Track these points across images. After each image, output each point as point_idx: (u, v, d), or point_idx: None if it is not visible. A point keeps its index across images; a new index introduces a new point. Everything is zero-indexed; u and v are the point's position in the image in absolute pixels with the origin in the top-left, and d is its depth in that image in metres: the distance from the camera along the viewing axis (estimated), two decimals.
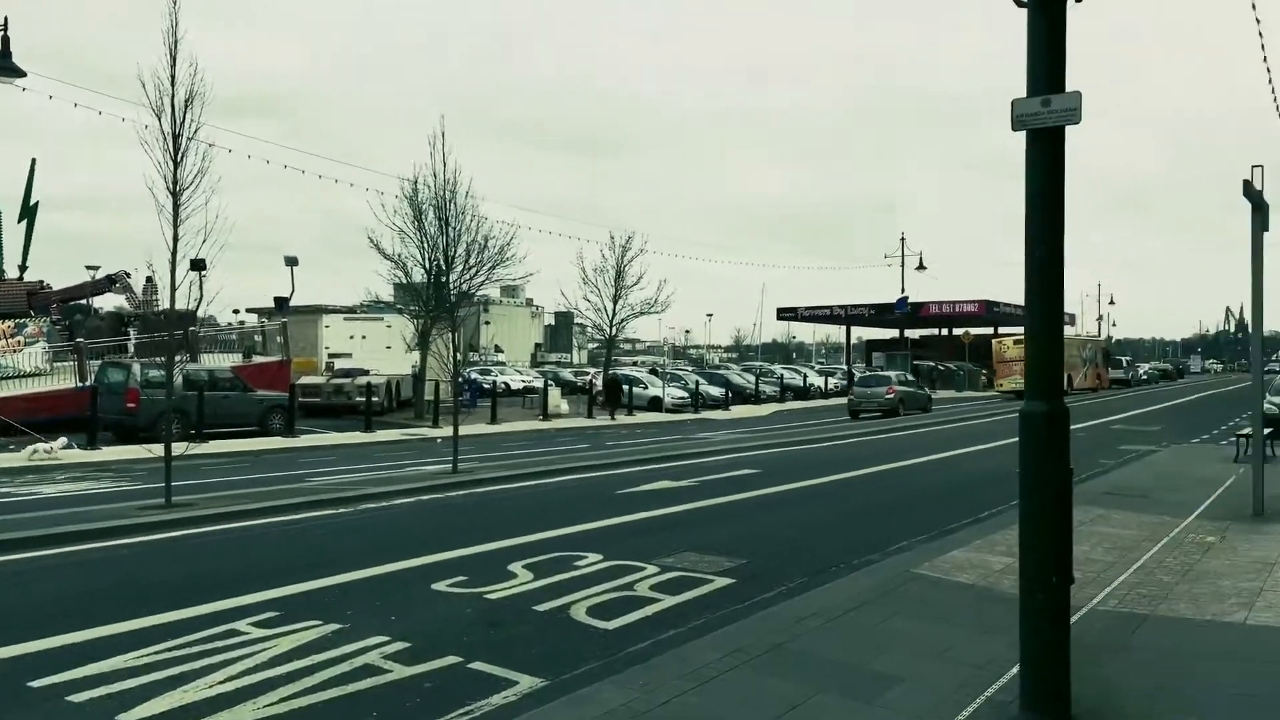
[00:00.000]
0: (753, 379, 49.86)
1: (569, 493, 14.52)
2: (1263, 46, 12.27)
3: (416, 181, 27.96)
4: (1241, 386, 60.76)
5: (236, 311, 42.14)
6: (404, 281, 30.38)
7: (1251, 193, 11.40)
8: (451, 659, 6.21)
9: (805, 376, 54.85)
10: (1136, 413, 36.48)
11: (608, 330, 36.73)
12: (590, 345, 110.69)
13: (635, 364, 73.26)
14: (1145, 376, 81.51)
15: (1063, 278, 5.10)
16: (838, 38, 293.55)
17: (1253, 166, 11.66)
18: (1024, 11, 5.09)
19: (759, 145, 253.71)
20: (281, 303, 33.89)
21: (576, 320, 68.50)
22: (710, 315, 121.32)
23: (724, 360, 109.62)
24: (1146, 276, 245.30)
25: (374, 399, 29.08)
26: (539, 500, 13.67)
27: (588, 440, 25.22)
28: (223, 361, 30.05)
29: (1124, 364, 76.53)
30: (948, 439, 24.70)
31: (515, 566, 8.97)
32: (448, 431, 20.39)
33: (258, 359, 31.42)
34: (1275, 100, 12.99)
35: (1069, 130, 5.07)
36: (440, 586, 8.19)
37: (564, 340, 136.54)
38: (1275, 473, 14.73)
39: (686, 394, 40.72)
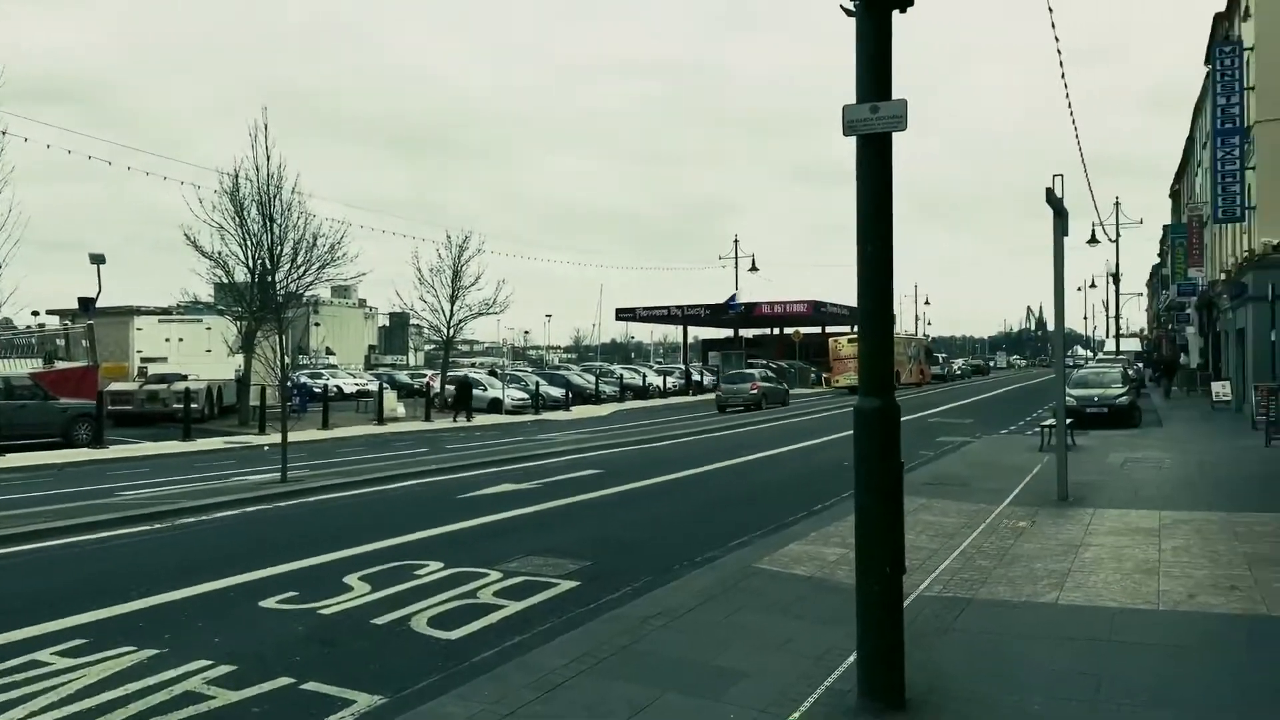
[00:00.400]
0: (593, 379, 50.05)
1: (408, 499, 14.09)
2: (1060, 63, 13.22)
3: (238, 175, 26.63)
4: (1043, 380, 65.55)
5: (36, 313, 38.98)
6: (225, 281, 28.85)
7: (1052, 199, 12.27)
8: (283, 680, 5.87)
9: (644, 376, 55.55)
10: (952, 406, 38.74)
11: (445, 331, 35.98)
12: (427, 347, 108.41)
13: (474, 365, 72.22)
14: (960, 372, 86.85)
15: (892, 275, 5.29)
16: (669, 45, 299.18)
17: (1053, 175, 12.63)
18: (853, 21, 5.24)
19: (591, 146, 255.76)
20: (86, 303, 31.46)
21: (412, 321, 66.86)
22: (549, 316, 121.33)
23: (564, 361, 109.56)
24: (956, 278, 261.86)
25: (193, 406, 27.59)
26: (376, 508, 13.20)
27: (427, 444, 24.62)
28: (19, 368, 27.79)
29: (940, 360, 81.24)
30: (787, 433, 25.53)
31: (351, 579, 8.60)
32: (276, 438, 19.45)
33: (60, 364, 29.19)
34: (1071, 115, 14.04)
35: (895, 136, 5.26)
36: (269, 604, 7.75)
37: (399, 342, 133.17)
38: (1076, 460, 15.93)
39: (527, 395, 40.41)
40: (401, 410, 35.38)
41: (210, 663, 6.19)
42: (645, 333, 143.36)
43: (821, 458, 19.58)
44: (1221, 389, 30.90)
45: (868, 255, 5.22)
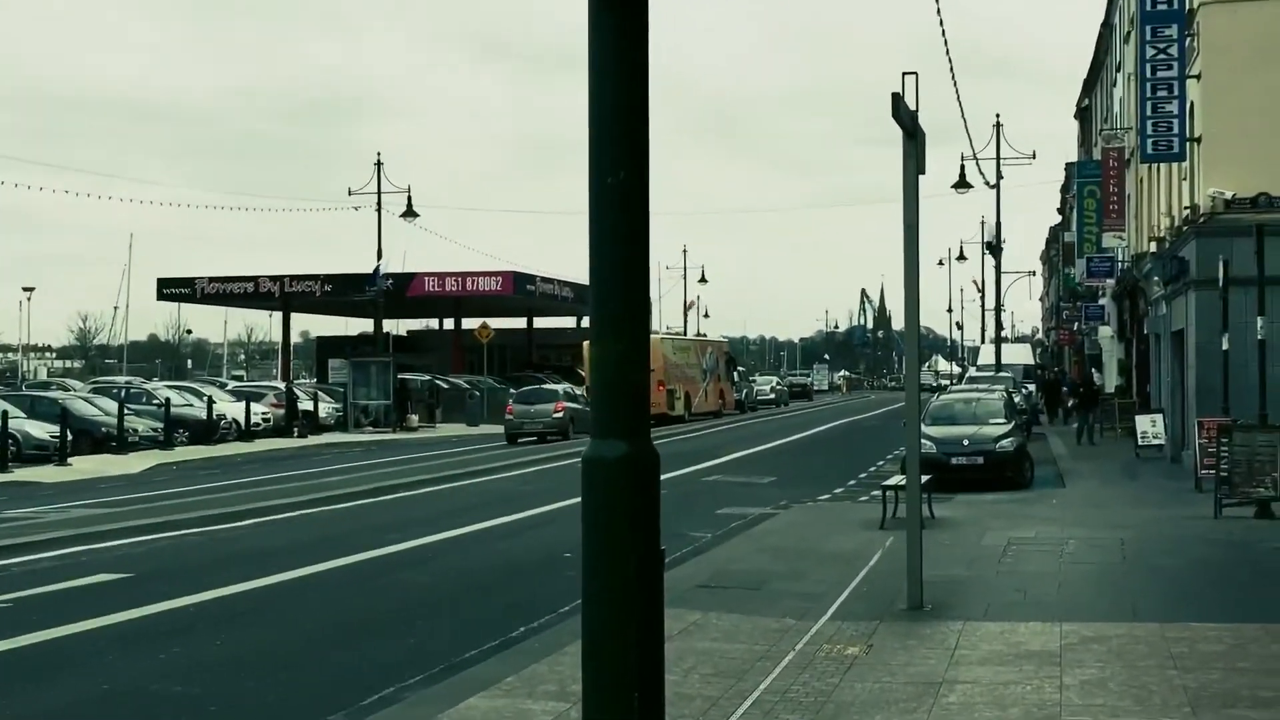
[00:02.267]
0: (114, 409, 47.91)
1: None
2: None
3: None
4: (892, 409, 69.65)
5: None
6: None
7: (903, 112, 13.00)
8: None
9: (210, 401, 53.89)
10: (748, 453, 40.41)
11: None
12: None
13: None
14: (774, 395, 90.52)
15: (647, 231, 5.38)
16: None
17: (904, 74, 13.33)
18: None
19: None
20: None
21: None
22: (30, 293, 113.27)
23: (56, 374, 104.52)
24: (756, 246, 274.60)
25: None
26: None
27: None
28: None
29: (744, 377, 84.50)
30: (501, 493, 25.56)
31: None
32: None
33: None
34: None
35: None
36: None
37: None
38: (936, 542, 16.97)
39: None
40: None
41: None
42: (215, 323, 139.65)
43: (536, 539, 19.74)
44: (1151, 426, 34.07)
45: (608, 193, 5.29)
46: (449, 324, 76.33)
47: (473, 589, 15.80)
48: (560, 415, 48.29)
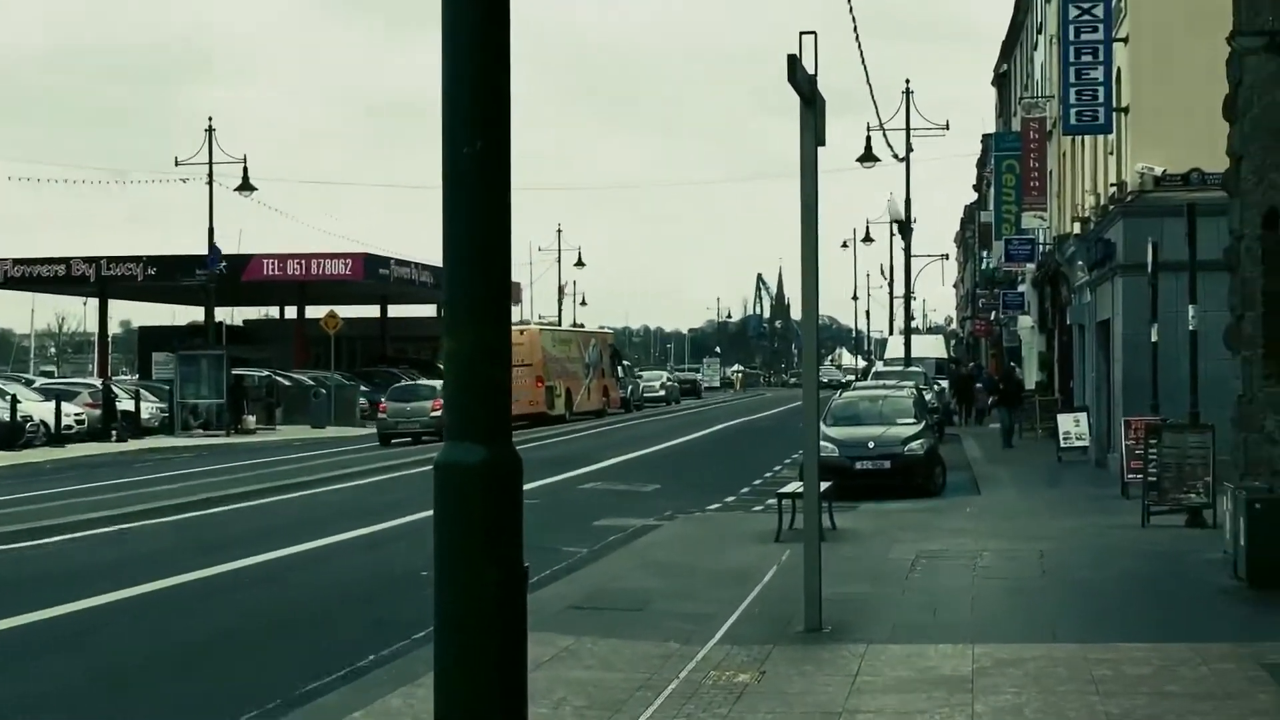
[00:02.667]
0: None
1: None
2: None
3: None
4: (787, 409, 70.03)
5: None
6: None
7: (800, 76, 13.09)
8: None
9: (14, 401, 52.78)
10: (629, 457, 40.41)
11: None
12: None
13: None
14: (664, 392, 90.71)
15: (509, 204, 5.39)
16: None
17: (801, 34, 13.41)
18: None
19: None
20: None
21: None
22: None
23: None
24: (639, 227, 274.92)
25: None
26: None
27: None
28: None
29: (628, 373, 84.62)
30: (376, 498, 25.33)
31: None
32: None
33: None
34: None
35: None
36: None
37: None
38: (837, 556, 17.10)
39: None
40: None
41: None
42: (20, 312, 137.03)
43: (392, 554, 19.67)
44: (1074, 426, 34.59)
45: (464, 163, 5.29)
46: (291, 313, 75.59)
47: (319, 612, 15.72)
48: (439, 414, 46.41)
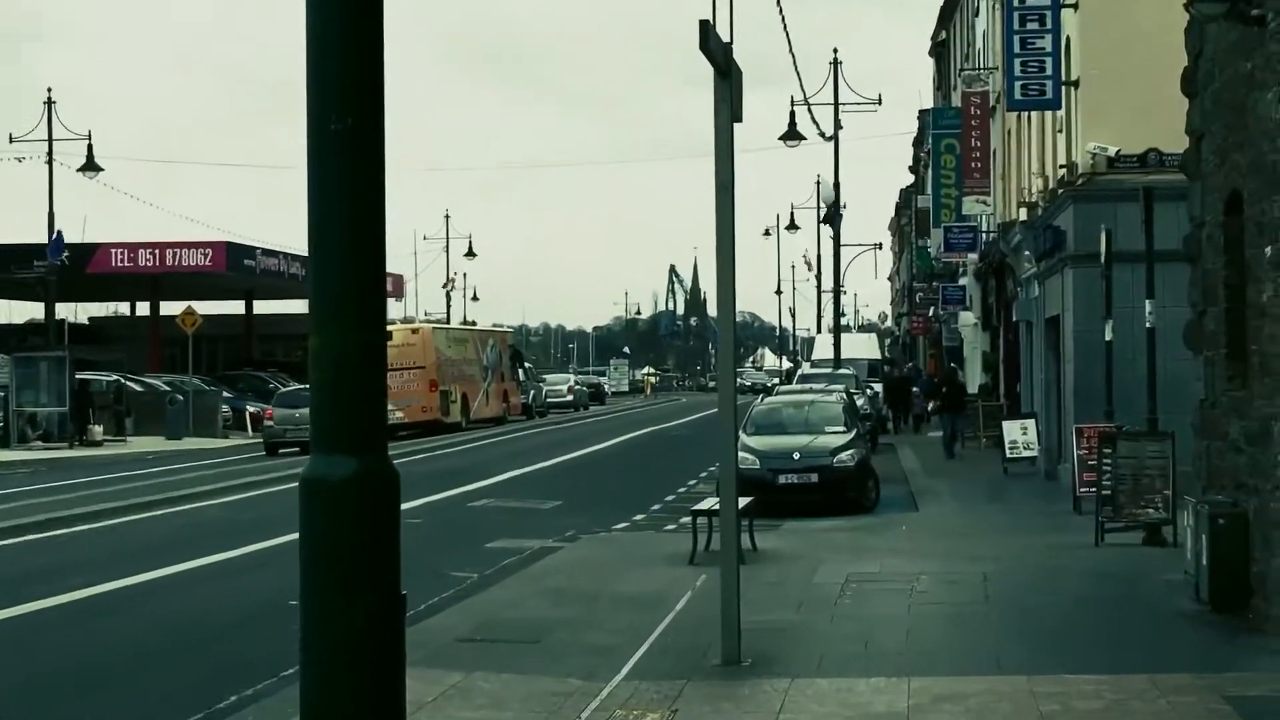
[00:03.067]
0: None
1: None
2: None
3: None
4: (704, 416, 70.25)
5: None
6: None
7: (713, 43, 13.12)
8: None
9: None
10: (528, 470, 40.38)
11: None
12: None
13: None
14: (572, 396, 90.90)
15: (383, 186, 5.36)
16: None
17: None
18: None
19: None
20: None
21: None
22: None
23: None
24: (531, 212, 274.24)
25: None
26: None
27: None
28: None
29: (521, 376, 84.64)
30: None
31: None
32: None
33: None
34: None
35: None
36: None
37: None
38: (758, 580, 17.17)
39: None
40: None
41: None
42: None
43: (257, 582, 19.52)
44: (1021, 435, 34.88)
45: (332, 141, 5.28)
46: (143, 309, 74.90)
47: (172, 647, 15.55)
48: None
